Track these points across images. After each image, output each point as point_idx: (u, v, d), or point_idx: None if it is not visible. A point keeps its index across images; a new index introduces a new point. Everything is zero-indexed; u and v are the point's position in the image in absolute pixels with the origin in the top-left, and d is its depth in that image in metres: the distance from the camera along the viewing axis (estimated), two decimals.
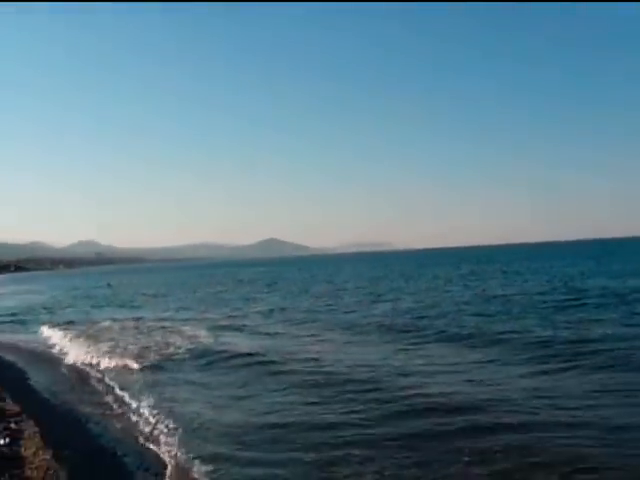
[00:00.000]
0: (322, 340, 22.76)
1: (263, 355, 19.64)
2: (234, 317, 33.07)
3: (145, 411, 13.11)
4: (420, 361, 17.36)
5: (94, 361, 20.13)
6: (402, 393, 13.42)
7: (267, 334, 25.40)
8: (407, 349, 19.67)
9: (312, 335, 24.20)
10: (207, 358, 19.98)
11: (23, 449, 10.19)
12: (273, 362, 18.33)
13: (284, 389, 14.90)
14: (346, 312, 31.74)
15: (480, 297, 35.69)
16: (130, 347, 22.66)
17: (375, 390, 13.91)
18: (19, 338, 28.88)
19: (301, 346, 21.52)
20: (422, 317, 27.40)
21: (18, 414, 12.34)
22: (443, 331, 22.80)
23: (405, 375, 15.50)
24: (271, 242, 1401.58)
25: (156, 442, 11.00)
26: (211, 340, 24.12)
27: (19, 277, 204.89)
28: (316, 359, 18.38)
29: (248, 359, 19.14)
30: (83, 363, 20.16)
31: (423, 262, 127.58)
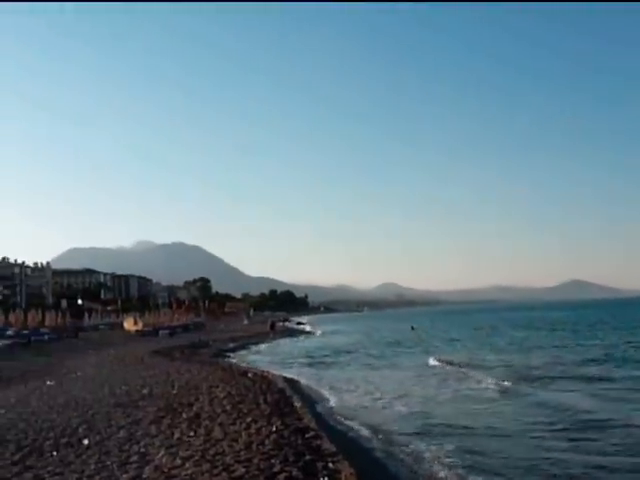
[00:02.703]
0: None
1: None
2: (549, 366, 30.35)
3: None
4: None
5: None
6: None
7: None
8: None
9: None
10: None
11: None
12: None
13: None
14: None
15: None
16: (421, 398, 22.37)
17: None
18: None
19: None
20: None
21: (335, 454, 12.46)
22: None
23: None
24: (574, 284, 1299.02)
25: None
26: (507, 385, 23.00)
27: (327, 318, 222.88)
28: None
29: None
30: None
31: None
